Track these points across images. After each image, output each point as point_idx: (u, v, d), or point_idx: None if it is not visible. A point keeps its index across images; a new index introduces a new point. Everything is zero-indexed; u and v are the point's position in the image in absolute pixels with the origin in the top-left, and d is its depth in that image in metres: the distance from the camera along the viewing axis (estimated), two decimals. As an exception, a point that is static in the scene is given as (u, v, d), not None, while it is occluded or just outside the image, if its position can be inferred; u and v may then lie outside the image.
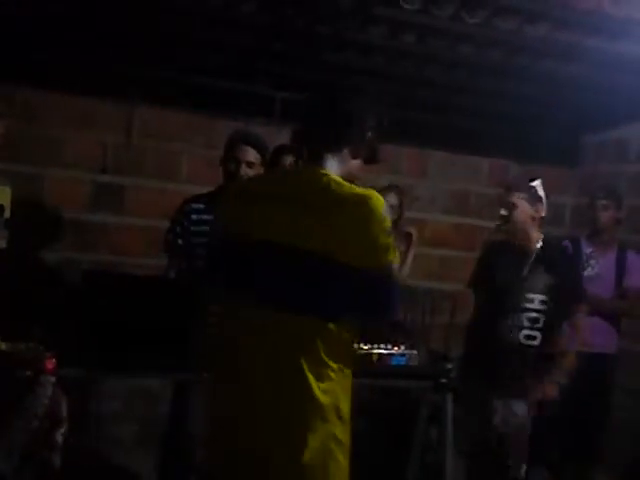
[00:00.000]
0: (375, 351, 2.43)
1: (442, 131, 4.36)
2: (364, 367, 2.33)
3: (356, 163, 1.76)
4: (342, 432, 1.63)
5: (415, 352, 2.50)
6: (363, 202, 1.61)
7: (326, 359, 1.60)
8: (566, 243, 3.70)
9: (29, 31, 3.33)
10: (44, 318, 2.13)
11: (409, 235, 3.87)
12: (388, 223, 1.61)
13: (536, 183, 2.98)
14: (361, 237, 1.58)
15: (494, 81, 3.81)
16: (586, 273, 3.72)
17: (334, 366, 1.61)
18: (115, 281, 2.39)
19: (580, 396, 3.68)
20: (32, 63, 3.51)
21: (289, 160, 3.78)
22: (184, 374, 2.34)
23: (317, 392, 1.58)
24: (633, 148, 4.36)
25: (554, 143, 4.48)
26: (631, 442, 3.98)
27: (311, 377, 1.58)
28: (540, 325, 2.94)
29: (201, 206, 2.92)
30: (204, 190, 3.01)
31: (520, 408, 2.92)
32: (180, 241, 2.91)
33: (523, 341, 2.92)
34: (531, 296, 2.93)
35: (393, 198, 3.91)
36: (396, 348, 2.51)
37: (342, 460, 1.63)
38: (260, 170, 2.89)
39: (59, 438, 1.76)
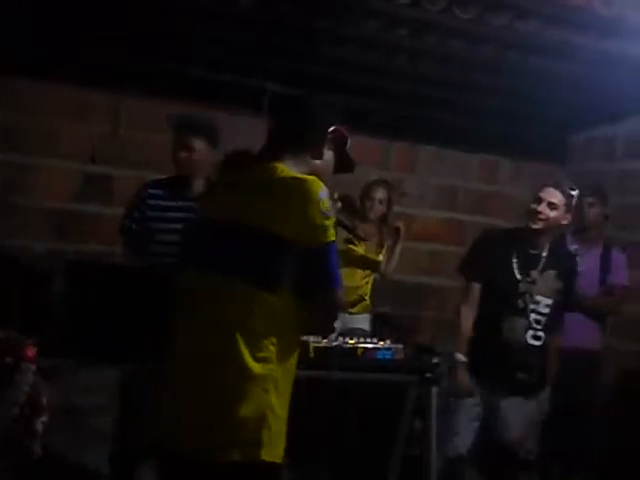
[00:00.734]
0: (360, 345, 2.44)
1: (432, 126, 4.37)
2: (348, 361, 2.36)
3: (322, 164, 1.89)
4: (279, 404, 1.72)
5: (401, 346, 2.50)
6: (300, 184, 1.75)
7: (263, 330, 1.70)
8: (574, 249, 3.72)
9: (23, 24, 3.30)
10: (26, 307, 2.12)
11: (397, 229, 3.88)
12: (325, 204, 1.72)
13: (575, 193, 2.94)
14: (296, 214, 1.71)
15: (484, 77, 3.82)
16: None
17: (273, 339, 1.70)
18: (99, 271, 2.38)
19: (564, 394, 3.71)
20: (24, 54, 3.48)
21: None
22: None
23: (250, 361, 1.68)
24: (620, 146, 4.38)
25: (543, 140, 4.50)
26: (614, 441, 4.01)
27: (244, 346, 1.68)
28: (544, 325, 2.94)
29: (160, 192, 2.93)
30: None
31: (531, 407, 2.95)
32: (134, 226, 2.93)
33: (530, 341, 2.92)
34: (539, 298, 2.92)
35: (381, 192, 3.92)
36: (382, 342, 2.52)
37: (275, 429, 1.71)
38: (210, 152, 2.92)
39: (39, 426, 1.75)
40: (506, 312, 2.91)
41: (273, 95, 3.78)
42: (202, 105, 3.84)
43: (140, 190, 2.99)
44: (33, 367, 1.76)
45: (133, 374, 2.71)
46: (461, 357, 2.89)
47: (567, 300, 3.04)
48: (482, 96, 4.07)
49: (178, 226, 2.68)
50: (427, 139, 4.45)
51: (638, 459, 3.73)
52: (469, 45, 3.48)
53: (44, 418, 1.77)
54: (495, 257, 2.96)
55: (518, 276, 2.93)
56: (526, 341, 2.91)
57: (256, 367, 1.68)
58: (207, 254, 1.81)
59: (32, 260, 3.31)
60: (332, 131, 1.89)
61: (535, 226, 2.89)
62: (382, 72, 3.88)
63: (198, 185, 2.91)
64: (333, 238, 1.72)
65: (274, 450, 1.71)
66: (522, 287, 2.92)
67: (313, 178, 1.76)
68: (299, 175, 1.79)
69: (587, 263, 3.80)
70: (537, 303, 2.93)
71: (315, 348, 2.32)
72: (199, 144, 2.88)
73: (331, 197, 1.89)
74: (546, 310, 2.94)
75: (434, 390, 2.64)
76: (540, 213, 2.87)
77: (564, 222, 2.98)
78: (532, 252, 2.95)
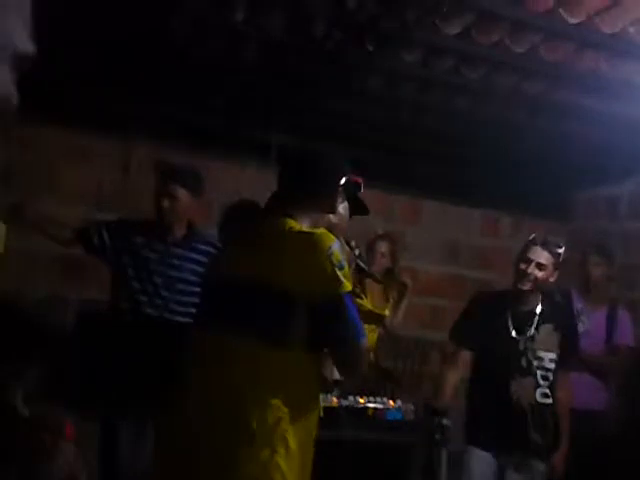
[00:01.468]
0: (371, 405, 2.39)
1: (436, 180, 4.39)
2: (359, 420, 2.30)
3: (336, 217, 1.87)
4: (288, 465, 1.66)
5: (412, 406, 2.45)
6: (308, 238, 1.73)
7: (274, 390, 1.65)
8: (579, 308, 3.72)
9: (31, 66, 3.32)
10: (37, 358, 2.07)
11: (404, 285, 3.87)
12: (338, 256, 1.68)
13: (561, 250, 2.93)
14: (305, 268, 1.67)
15: (490, 134, 3.86)
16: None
17: (285, 398, 1.66)
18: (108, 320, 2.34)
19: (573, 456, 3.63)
20: (33, 96, 3.49)
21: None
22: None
23: (258, 423, 1.63)
24: (623, 206, 4.41)
25: (546, 197, 4.52)
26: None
27: (253, 408, 1.64)
28: (552, 382, 2.90)
29: (138, 228, 2.92)
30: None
31: (543, 470, 2.88)
32: (96, 240, 2.89)
33: (540, 400, 2.86)
34: (542, 354, 2.89)
35: (384, 246, 3.92)
36: (392, 402, 2.47)
37: None
38: (192, 202, 2.91)
39: None
40: (512, 373, 2.86)
41: (281, 148, 3.80)
42: (207, 156, 3.86)
43: (120, 221, 2.98)
44: (71, 446, 1.72)
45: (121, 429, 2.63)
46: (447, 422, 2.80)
47: (570, 352, 2.98)
48: (487, 152, 4.11)
49: (151, 268, 2.71)
50: (431, 193, 4.48)
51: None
52: (475, 103, 3.53)
53: None
54: (488, 320, 2.93)
55: (515, 335, 2.90)
56: (536, 400, 2.86)
57: (264, 429, 1.62)
58: (215, 314, 1.78)
59: (37, 309, 3.28)
60: (345, 181, 1.87)
61: (524, 287, 2.90)
62: (388, 126, 3.92)
63: (179, 231, 2.91)
64: (349, 289, 1.68)
65: None
66: (521, 345, 2.89)
67: (322, 231, 1.74)
68: (308, 229, 1.77)
69: (592, 322, 3.79)
70: (541, 359, 2.90)
71: (325, 408, 2.27)
72: (182, 193, 2.87)
73: (348, 245, 1.92)
74: (551, 365, 2.90)
75: (444, 451, 2.58)
76: (529, 275, 2.87)
77: (552, 279, 2.96)
78: (525, 309, 2.94)
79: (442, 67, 3.16)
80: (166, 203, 2.85)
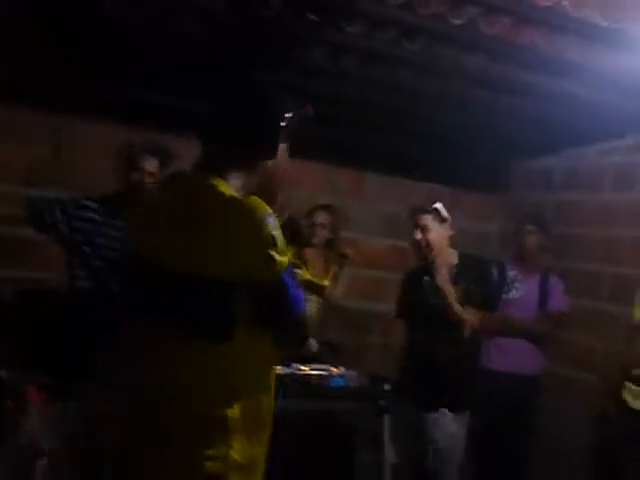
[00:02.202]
0: (314, 373, 2.42)
1: (378, 153, 4.43)
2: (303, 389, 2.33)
3: (274, 165, 1.59)
4: (242, 456, 1.52)
5: (355, 373, 2.49)
6: (239, 212, 1.48)
7: (220, 381, 1.48)
8: (512, 275, 3.87)
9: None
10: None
11: (344, 255, 3.90)
12: (271, 232, 1.47)
13: (439, 205, 3.10)
14: (239, 251, 1.46)
15: (430, 107, 3.91)
16: (510, 295, 3.85)
17: (234, 385, 1.50)
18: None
19: (504, 419, 3.78)
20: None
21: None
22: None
23: (208, 418, 1.47)
24: (558, 177, 4.55)
25: (484, 169, 4.62)
26: (553, 465, 4.10)
27: (199, 398, 1.47)
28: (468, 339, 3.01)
29: (94, 205, 2.87)
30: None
31: (453, 421, 2.98)
32: (49, 217, 2.84)
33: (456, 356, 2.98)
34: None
35: (323, 217, 3.94)
36: (334, 369, 2.51)
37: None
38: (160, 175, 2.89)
39: (39, 469, 1.65)
40: (432, 333, 2.99)
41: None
42: (147, 130, 3.77)
43: (76, 198, 2.90)
44: (37, 410, 1.65)
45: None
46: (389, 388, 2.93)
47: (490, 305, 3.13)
48: (426, 125, 4.16)
49: (111, 246, 2.67)
50: (373, 166, 4.51)
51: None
52: (417, 76, 3.56)
53: (44, 461, 1.66)
54: (414, 292, 3.12)
55: (432, 300, 3.01)
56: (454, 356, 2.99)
57: (216, 425, 1.47)
58: (143, 303, 1.53)
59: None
60: (289, 118, 1.57)
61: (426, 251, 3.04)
62: (329, 99, 3.91)
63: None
64: (285, 265, 1.51)
65: None
66: (439, 307, 2.99)
67: (254, 201, 1.50)
68: (238, 198, 1.52)
69: (526, 289, 3.92)
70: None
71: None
72: (152, 164, 2.84)
73: (285, 216, 1.70)
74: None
75: (387, 417, 2.64)
76: (420, 241, 3.03)
77: (450, 234, 3.11)
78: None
79: (384, 39, 3.17)
80: (136, 176, 2.82)
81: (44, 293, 2.87)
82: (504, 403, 3.76)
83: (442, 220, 3.06)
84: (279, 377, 2.32)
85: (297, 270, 3.75)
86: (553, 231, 4.07)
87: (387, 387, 2.62)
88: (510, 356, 3.85)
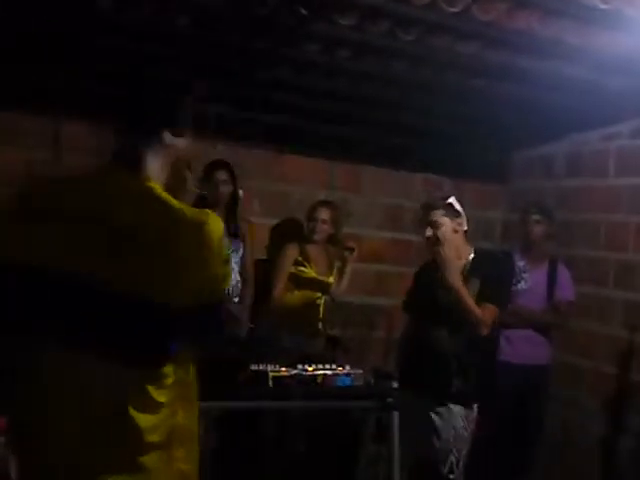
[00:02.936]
0: (320, 372, 2.38)
1: (376, 147, 4.38)
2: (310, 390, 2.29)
3: (182, 142, 1.50)
4: (189, 457, 1.44)
5: (360, 371, 2.46)
6: (195, 229, 1.33)
7: (155, 394, 1.34)
8: (521, 265, 3.82)
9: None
10: None
11: (351, 248, 3.86)
12: (220, 244, 1.36)
13: (452, 199, 3.04)
14: (194, 276, 1.32)
15: (426, 98, 3.86)
16: (519, 286, 3.80)
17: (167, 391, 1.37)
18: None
19: (515, 409, 3.75)
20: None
21: (223, 176, 3.71)
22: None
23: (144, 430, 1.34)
24: (559, 165, 4.50)
25: (484, 159, 4.57)
26: (563, 453, 4.07)
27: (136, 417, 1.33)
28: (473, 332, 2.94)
29: None
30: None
31: (459, 417, 2.94)
32: None
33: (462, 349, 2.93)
34: None
35: (325, 213, 3.90)
36: (340, 368, 2.47)
37: None
38: None
39: None
40: (434, 324, 2.95)
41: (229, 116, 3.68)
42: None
43: None
44: (2, 439, 1.59)
45: None
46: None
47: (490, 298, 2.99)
48: (424, 117, 4.11)
49: None
50: (371, 160, 4.46)
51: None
52: (411, 67, 3.51)
53: None
54: (427, 287, 3.04)
55: (441, 294, 2.94)
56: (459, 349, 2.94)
57: (154, 432, 1.35)
58: (63, 323, 1.33)
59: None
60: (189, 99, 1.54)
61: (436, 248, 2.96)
62: (324, 94, 3.87)
63: None
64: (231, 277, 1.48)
65: None
66: (446, 299, 2.92)
67: (208, 217, 1.36)
68: (184, 210, 1.36)
69: (534, 279, 3.88)
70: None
71: (274, 378, 2.25)
72: None
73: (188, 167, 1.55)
74: None
75: (395, 415, 2.60)
76: (430, 237, 2.97)
77: (464, 229, 3.04)
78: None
79: (378, 31, 3.12)
80: None
81: None
82: (514, 394, 3.73)
83: (455, 215, 2.99)
84: (284, 378, 2.31)
85: (301, 268, 3.78)
86: (557, 218, 4.02)
87: (394, 384, 2.57)
88: (520, 347, 3.81)
